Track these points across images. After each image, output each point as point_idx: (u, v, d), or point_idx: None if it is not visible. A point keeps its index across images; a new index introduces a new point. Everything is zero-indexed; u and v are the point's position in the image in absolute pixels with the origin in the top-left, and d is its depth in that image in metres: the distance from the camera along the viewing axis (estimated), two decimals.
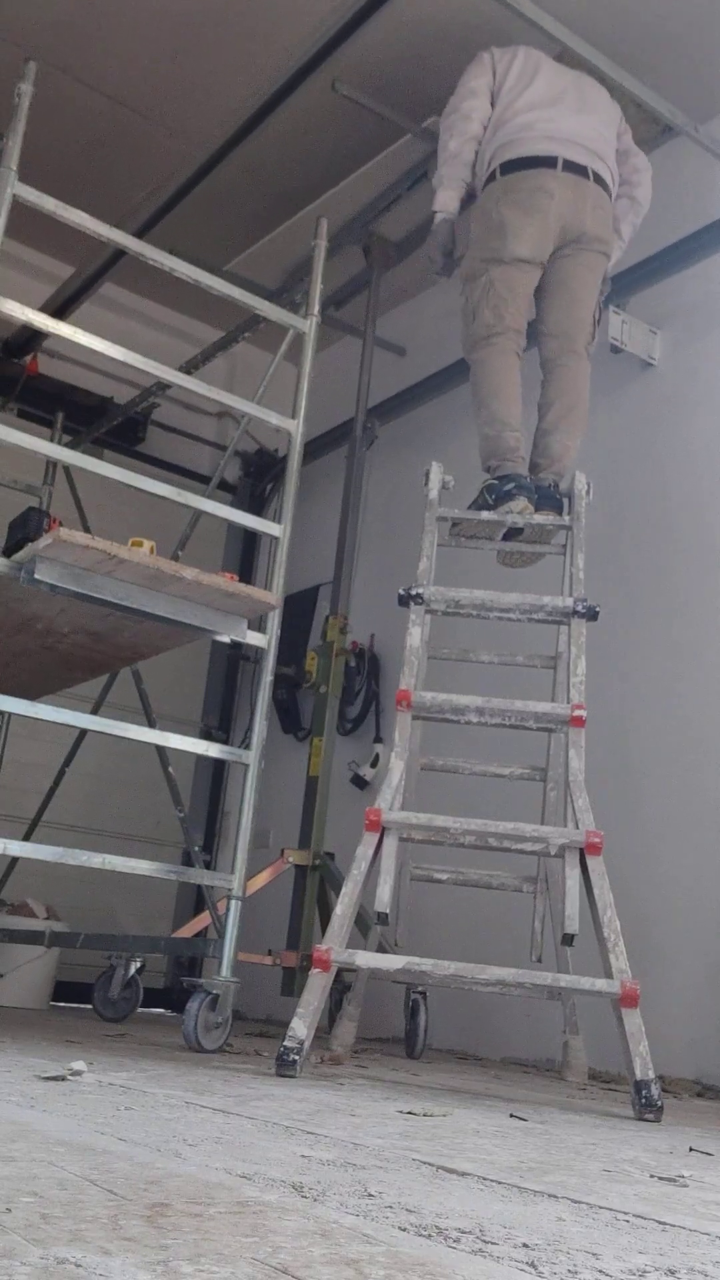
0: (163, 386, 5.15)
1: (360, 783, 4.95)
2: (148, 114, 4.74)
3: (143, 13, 4.20)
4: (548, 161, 3.59)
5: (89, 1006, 4.11)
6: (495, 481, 3.43)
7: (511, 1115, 2.08)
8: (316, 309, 3.43)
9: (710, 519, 3.91)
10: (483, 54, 3.79)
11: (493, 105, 3.72)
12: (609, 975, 2.46)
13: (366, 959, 2.63)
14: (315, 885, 4.00)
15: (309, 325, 3.40)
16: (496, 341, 3.55)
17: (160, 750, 3.62)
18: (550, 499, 3.46)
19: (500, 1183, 1.29)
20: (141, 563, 2.73)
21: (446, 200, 3.72)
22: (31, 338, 5.32)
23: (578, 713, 2.86)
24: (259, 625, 3.12)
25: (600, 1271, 0.89)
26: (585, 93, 3.77)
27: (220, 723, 6.09)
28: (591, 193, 3.62)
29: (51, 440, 4.59)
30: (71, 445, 5.08)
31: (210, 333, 5.81)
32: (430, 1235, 0.97)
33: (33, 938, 3.98)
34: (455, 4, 3.98)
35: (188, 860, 5.02)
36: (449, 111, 3.73)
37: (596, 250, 3.66)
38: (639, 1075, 2.32)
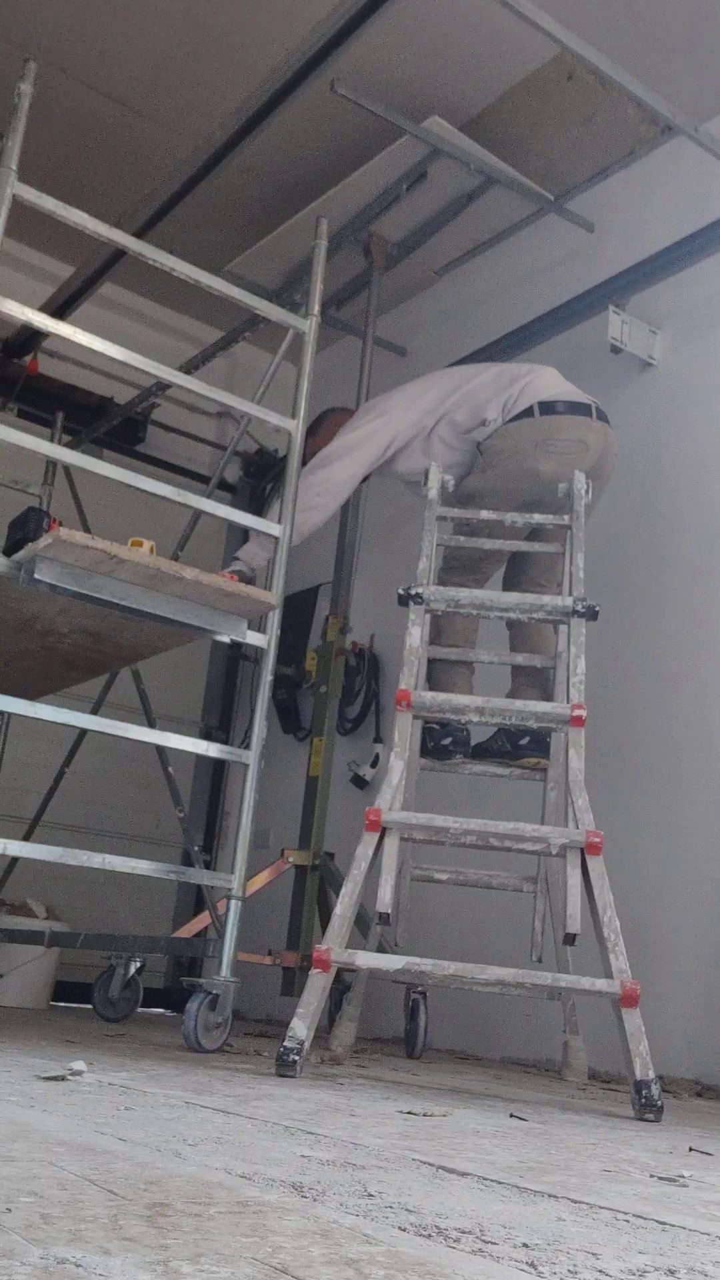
0: (163, 386, 5.16)
1: (360, 783, 4.95)
2: (148, 114, 4.74)
3: (143, 13, 4.20)
4: (582, 409, 3.40)
5: (89, 1006, 4.10)
6: (436, 728, 3.45)
7: (511, 1115, 2.08)
8: (316, 309, 3.43)
9: (711, 519, 3.90)
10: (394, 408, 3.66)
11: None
12: (609, 975, 2.46)
13: (366, 959, 2.63)
14: (315, 885, 4.00)
15: (309, 325, 3.40)
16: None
17: (160, 750, 3.62)
18: (538, 745, 3.46)
19: (500, 1183, 1.29)
20: (141, 563, 2.73)
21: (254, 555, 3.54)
22: (31, 338, 5.32)
23: (578, 712, 2.86)
24: (259, 625, 3.12)
25: (600, 1271, 0.89)
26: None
27: (220, 723, 6.09)
28: (612, 437, 3.54)
29: (51, 440, 4.59)
30: (71, 445, 5.08)
31: (210, 333, 5.81)
32: (430, 1235, 0.97)
33: (33, 938, 3.98)
34: (455, 4, 3.98)
35: (188, 860, 5.02)
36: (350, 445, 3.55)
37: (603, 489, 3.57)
38: (639, 1075, 2.32)
